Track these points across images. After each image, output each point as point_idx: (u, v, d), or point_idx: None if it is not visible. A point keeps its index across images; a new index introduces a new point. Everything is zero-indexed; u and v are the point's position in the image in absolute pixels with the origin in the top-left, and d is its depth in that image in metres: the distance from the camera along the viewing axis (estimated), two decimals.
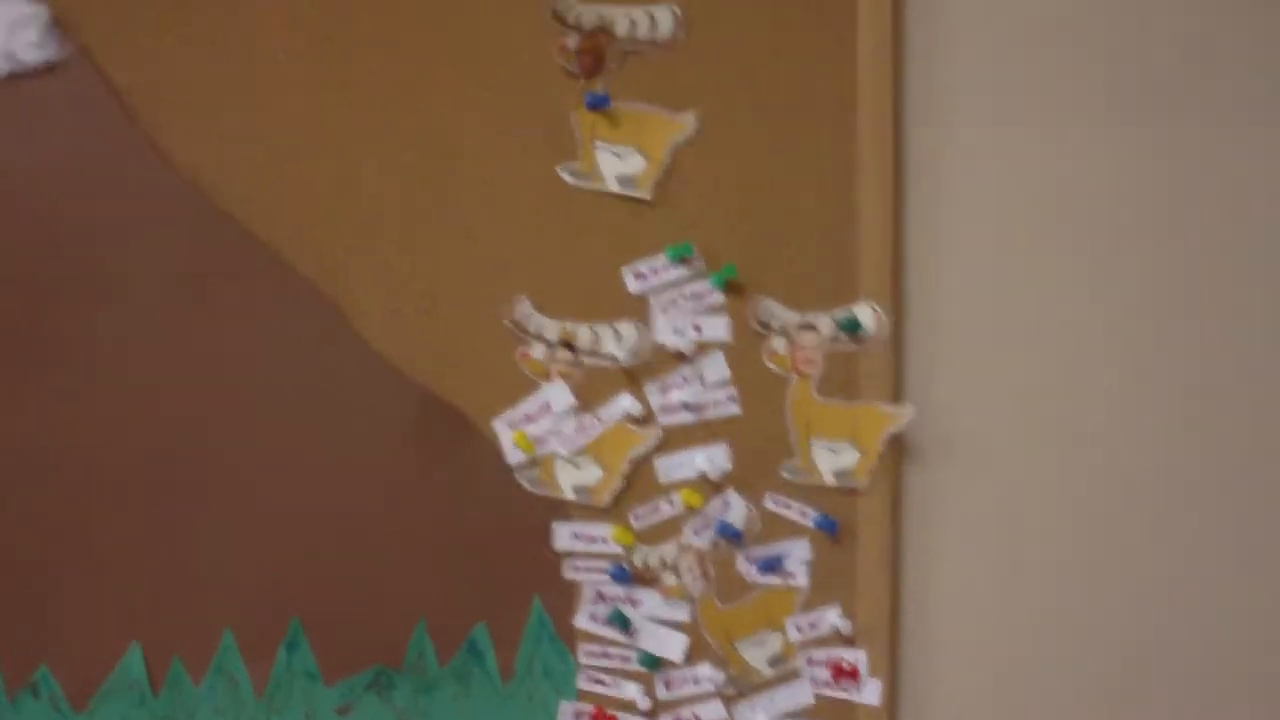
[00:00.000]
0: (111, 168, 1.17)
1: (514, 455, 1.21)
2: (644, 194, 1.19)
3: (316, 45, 1.18)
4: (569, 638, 1.23)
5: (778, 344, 1.21)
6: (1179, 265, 1.23)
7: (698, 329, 1.20)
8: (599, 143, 1.19)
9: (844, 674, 1.23)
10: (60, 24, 1.15)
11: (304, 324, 1.19)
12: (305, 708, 1.22)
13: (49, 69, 1.16)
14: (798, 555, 1.23)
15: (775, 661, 1.24)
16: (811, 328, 1.21)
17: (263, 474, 1.20)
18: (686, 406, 1.21)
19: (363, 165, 1.18)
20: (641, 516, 1.23)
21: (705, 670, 1.23)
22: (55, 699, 1.20)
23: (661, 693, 1.23)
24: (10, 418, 1.18)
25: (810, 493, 1.23)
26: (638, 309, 1.21)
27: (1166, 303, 1.22)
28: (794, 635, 1.23)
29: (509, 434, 1.20)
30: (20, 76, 1.15)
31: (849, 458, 1.22)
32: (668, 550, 1.22)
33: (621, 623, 1.22)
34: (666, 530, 1.23)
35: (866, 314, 1.20)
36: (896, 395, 1.22)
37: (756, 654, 1.24)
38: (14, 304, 1.18)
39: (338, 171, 1.18)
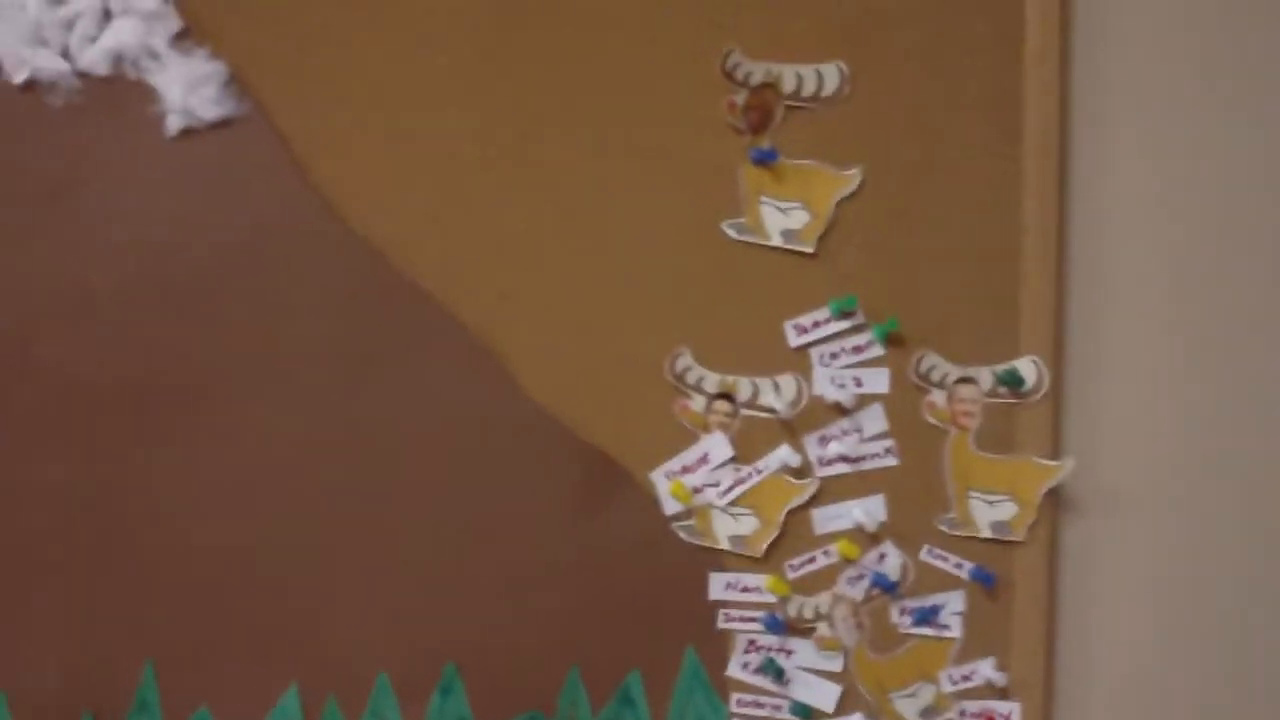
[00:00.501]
0: (283, 221, 1.20)
1: (671, 505, 1.22)
2: (807, 248, 1.20)
3: (487, 105, 1.20)
4: (721, 687, 1.24)
5: (937, 397, 1.21)
6: None
7: (858, 382, 1.21)
8: (764, 197, 1.20)
9: None
10: (237, 81, 1.17)
11: (464, 374, 1.21)
12: None
13: (224, 124, 1.18)
14: (953, 607, 1.23)
15: (928, 713, 1.24)
16: (971, 381, 1.20)
17: (422, 523, 1.23)
18: (844, 458, 1.22)
19: (530, 221, 1.20)
20: (796, 567, 1.23)
21: None
22: None
23: None
24: (182, 470, 1.22)
25: (966, 545, 1.23)
26: (798, 361, 1.21)
27: None
28: (947, 687, 1.23)
29: (666, 484, 1.21)
30: (195, 132, 1.18)
31: (1007, 510, 1.22)
32: (822, 600, 1.23)
33: (775, 672, 1.23)
34: (821, 580, 1.24)
35: (1028, 368, 1.20)
36: (1056, 449, 1.22)
37: (909, 705, 1.24)
38: (192, 353, 1.21)
39: (504, 227, 1.20)
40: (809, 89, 1.21)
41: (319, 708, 1.23)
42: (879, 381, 1.22)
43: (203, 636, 1.22)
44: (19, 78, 1.19)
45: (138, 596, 1.22)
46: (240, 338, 1.21)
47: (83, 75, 1.20)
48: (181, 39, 1.19)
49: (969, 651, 1.24)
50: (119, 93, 1.20)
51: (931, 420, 1.22)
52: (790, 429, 1.23)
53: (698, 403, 1.22)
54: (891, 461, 1.23)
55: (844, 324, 1.22)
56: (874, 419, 1.22)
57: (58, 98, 1.20)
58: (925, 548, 1.23)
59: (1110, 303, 1.24)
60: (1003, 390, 1.22)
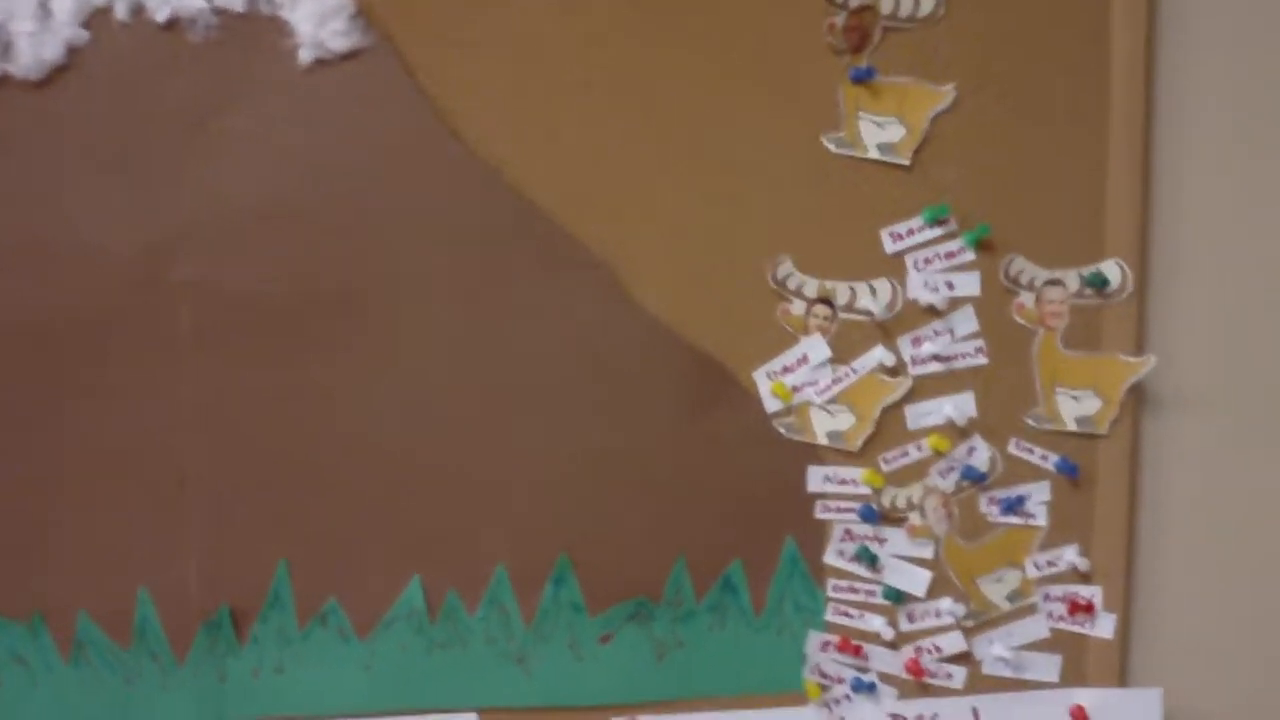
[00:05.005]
0: (409, 146, 1.24)
1: (772, 404, 1.29)
2: (903, 160, 1.25)
3: (598, 29, 1.25)
4: (818, 574, 1.31)
5: (1026, 299, 1.26)
6: None
7: (950, 285, 1.26)
8: (862, 113, 1.24)
9: (1079, 609, 1.29)
10: (364, 13, 1.22)
11: (579, 286, 1.26)
12: (570, 637, 1.31)
13: (353, 55, 1.22)
14: (1038, 497, 1.29)
15: (1013, 597, 1.31)
16: (1058, 283, 1.26)
17: (538, 424, 1.29)
18: (937, 358, 1.28)
19: (641, 140, 1.25)
20: (890, 460, 1.30)
21: (946, 604, 1.31)
22: (342, 628, 1.30)
23: (904, 625, 1.32)
24: (313, 381, 1.27)
25: (1052, 438, 1.29)
26: (893, 267, 1.26)
27: None
28: (1032, 572, 1.30)
29: (768, 384, 1.28)
30: (326, 63, 1.23)
31: (1091, 405, 1.28)
32: (914, 491, 1.30)
33: (869, 559, 1.29)
34: (914, 473, 1.30)
35: (1112, 269, 1.25)
36: (1139, 347, 1.28)
37: (996, 589, 1.31)
38: (325, 273, 1.27)
39: (616, 146, 1.25)
40: (905, 10, 1.25)
41: (440, 598, 1.30)
42: (970, 285, 1.28)
43: (332, 534, 1.29)
44: (161, 16, 1.23)
45: (272, 498, 1.29)
46: (370, 258, 1.26)
47: (220, 11, 1.24)
48: None
49: (1054, 539, 1.30)
50: (254, 27, 1.24)
51: (1020, 321, 1.28)
52: (885, 330, 1.29)
53: (798, 307, 1.28)
54: (982, 360, 1.29)
55: (937, 231, 1.27)
56: (965, 320, 1.28)
57: (197, 34, 1.24)
58: (1013, 441, 1.29)
59: (1192, 206, 1.28)
60: (1088, 291, 1.27)
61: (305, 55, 1.23)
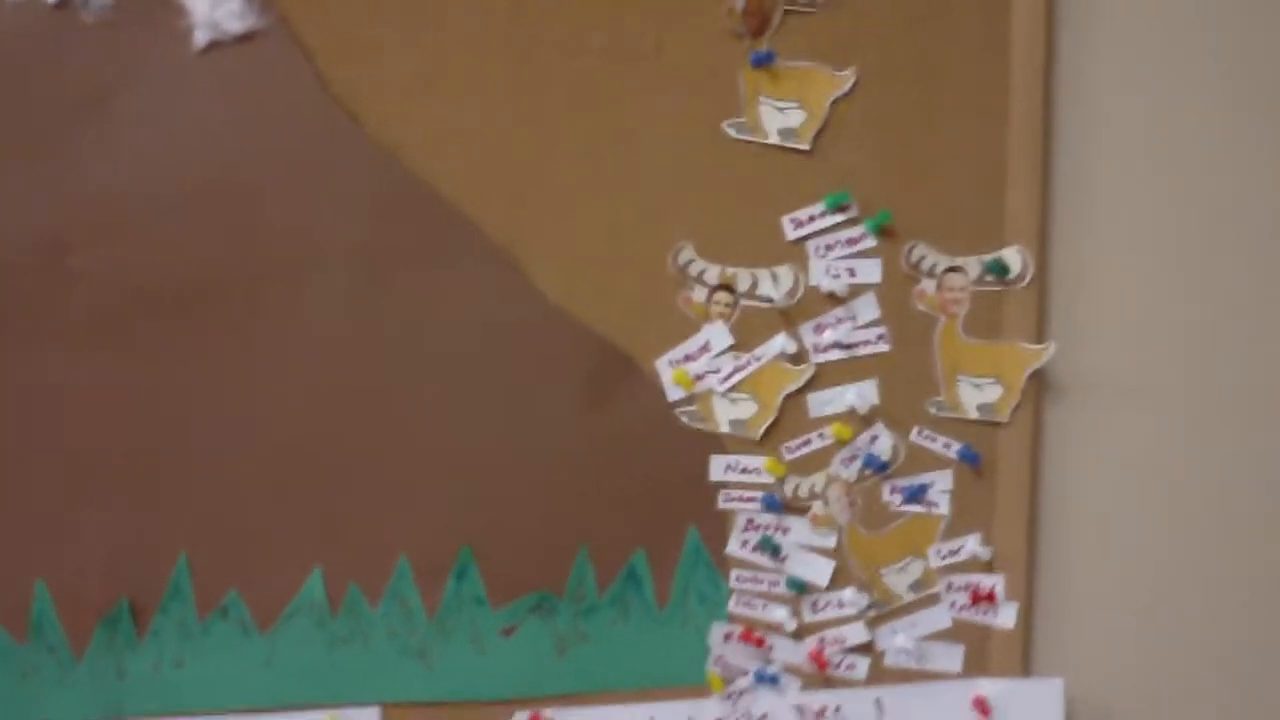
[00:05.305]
0: (306, 130, 1.23)
1: (674, 392, 1.27)
2: (804, 145, 1.24)
3: (498, 14, 1.24)
4: (722, 565, 1.30)
5: (927, 285, 1.26)
6: None
7: (852, 272, 1.26)
8: (762, 98, 1.24)
9: (981, 598, 1.29)
10: None
11: (480, 274, 1.25)
12: (472, 630, 1.29)
13: (249, 38, 1.20)
14: (941, 485, 1.29)
15: (917, 586, 1.30)
16: (959, 269, 1.26)
17: (439, 414, 1.27)
18: (839, 345, 1.27)
19: (542, 127, 1.24)
20: (793, 449, 1.29)
21: (849, 594, 1.30)
22: (242, 621, 1.28)
23: (808, 615, 1.31)
24: (213, 371, 1.26)
25: (954, 426, 1.29)
26: (795, 253, 1.26)
27: None
28: (935, 561, 1.30)
29: (670, 372, 1.27)
30: (221, 45, 1.20)
31: (992, 393, 1.28)
32: (817, 480, 1.29)
33: (771, 549, 1.29)
34: (816, 461, 1.30)
35: (1013, 256, 1.25)
36: (1039, 334, 1.28)
37: (899, 579, 1.31)
38: (219, 260, 1.25)
39: (517, 133, 1.24)
40: None
41: (342, 591, 1.28)
42: (872, 271, 1.27)
43: (233, 526, 1.27)
44: None
45: (171, 489, 1.27)
46: (266, 244, 1.23)
47: None
48: None
49: (956, 528, 1.30)
50: (148, 8, 1.21)
51: (922, 308, 1.28)
52: (787, 317, 1.28)
53: (699, 294, 1.27)
54: (884, 348, 1.28)
55: (838, 217, 1.26)
56: (867, 307, 1.28)
57: (90, 14, 1.21)
58: (915, 429, 1.29)
59: (1093, 194, 1.28)
60: (989, 278, 1.27)
61: (200, 37, 1.21)
